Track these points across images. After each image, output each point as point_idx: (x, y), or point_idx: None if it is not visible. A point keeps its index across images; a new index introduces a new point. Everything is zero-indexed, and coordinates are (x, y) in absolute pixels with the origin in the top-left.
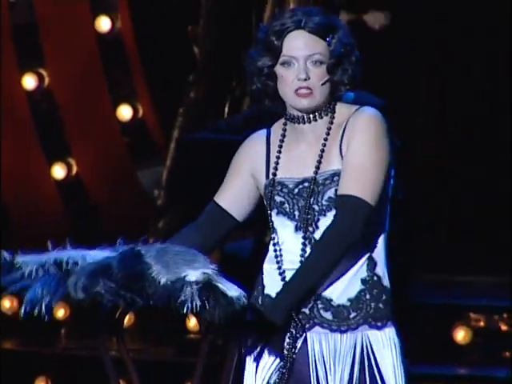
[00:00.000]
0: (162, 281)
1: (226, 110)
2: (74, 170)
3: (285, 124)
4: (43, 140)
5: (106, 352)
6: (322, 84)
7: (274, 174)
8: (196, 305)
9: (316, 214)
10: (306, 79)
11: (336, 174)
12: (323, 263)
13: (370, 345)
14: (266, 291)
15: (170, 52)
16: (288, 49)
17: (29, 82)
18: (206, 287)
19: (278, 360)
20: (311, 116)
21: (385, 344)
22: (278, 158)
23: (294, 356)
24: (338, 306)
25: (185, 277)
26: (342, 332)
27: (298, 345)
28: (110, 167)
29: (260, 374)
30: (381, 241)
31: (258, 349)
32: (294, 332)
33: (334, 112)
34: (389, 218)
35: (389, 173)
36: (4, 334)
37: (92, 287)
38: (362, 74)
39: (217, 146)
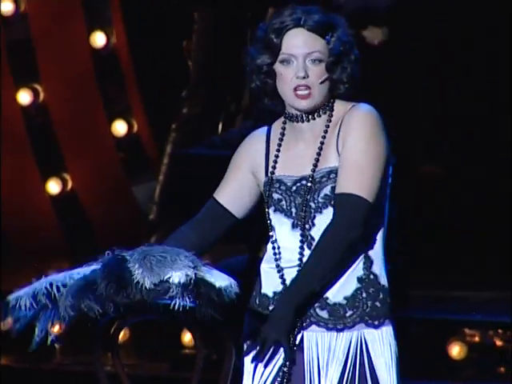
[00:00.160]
0: (147, 285)
1: (221, 125)
2: (69, 185)
3: (284, 122)
4: (38, 155)
5: (101, 367)
6: (321, 82)
7: (272, 172)
8: (185, 305)
9: (312, 211)
10: (304, 77)
11: (332, 172)
12: (324, 265)
13: (366, 343)
14: (262, 291)
15: (165, 67)
16: (287, 47)
17: (24, 97)
18: (192, 286)
19: (277, 361)
20: (310, 115)
21: (381, 343)
22: (277, 156)
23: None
24: (334, 304)
25: (168, 279)
26: (338, 330)
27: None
28: (105, 182)
29: (258, 373)
30: (378, 239)
31: (260, 358)
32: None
33: (333, 110)
34: (387, 217)
35: (386, 169)
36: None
37: (79, 303)
38: (361, 73)
39: (211, 161)
